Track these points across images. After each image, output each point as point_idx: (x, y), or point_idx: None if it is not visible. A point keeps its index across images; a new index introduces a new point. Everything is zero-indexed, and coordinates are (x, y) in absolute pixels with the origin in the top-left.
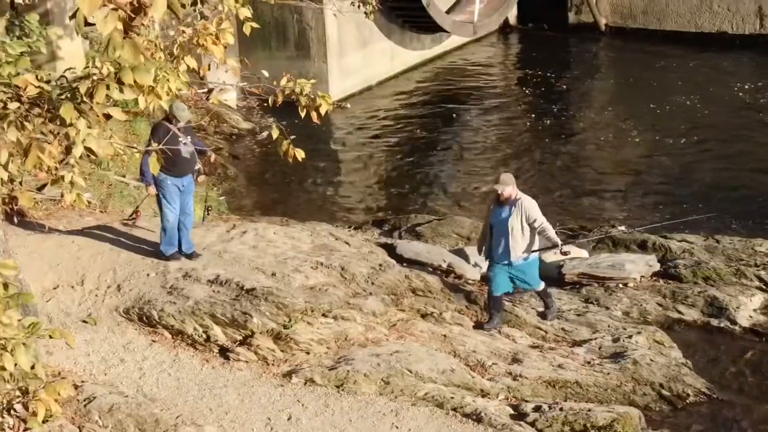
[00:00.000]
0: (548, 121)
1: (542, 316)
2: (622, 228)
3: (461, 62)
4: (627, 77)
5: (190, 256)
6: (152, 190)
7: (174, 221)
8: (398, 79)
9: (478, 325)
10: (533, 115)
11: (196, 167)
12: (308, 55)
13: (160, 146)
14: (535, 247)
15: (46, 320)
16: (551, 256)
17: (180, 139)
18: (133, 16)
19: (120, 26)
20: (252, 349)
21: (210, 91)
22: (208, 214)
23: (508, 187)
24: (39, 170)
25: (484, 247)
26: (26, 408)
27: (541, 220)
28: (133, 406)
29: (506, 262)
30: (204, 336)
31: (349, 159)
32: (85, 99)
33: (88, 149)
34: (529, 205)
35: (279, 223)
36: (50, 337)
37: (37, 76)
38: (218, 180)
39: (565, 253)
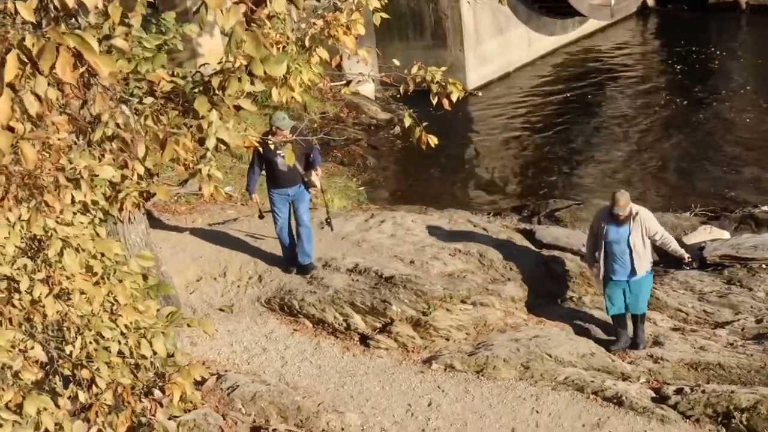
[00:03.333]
0: (688, 102)
1: (633, 345)
2: (765, 208)
3: (599, 46)
4: None
5: (305, 269)
6: (255, 198)
7: (281, 229)
8: (535, 65)
9: (606, 349)
10: (673, 97)
11: (307, 179)
12: (445, 44)
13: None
14: (654, 257)
15: (190, 311)
16: (692, 238)
17: (278, 152)
18: (254, 8)
19: (242, 19)
20: (392, 337)
21: (348, 83)
22: (329, 224)
23: (627, 208)
24: (177, 164)
25: (600, 265)
26: (163, 392)
27: (662, 233)
28: (275, 394)
29: (628, 279)
30: (344, 324)
31: (487, 146)
32: (217, 92)
33: (221, 140)
34: (648, 218)
35: (417, 211)
36: (188, 325)
37: (173, 72)
38: (357, 170)
39: (689, 265)
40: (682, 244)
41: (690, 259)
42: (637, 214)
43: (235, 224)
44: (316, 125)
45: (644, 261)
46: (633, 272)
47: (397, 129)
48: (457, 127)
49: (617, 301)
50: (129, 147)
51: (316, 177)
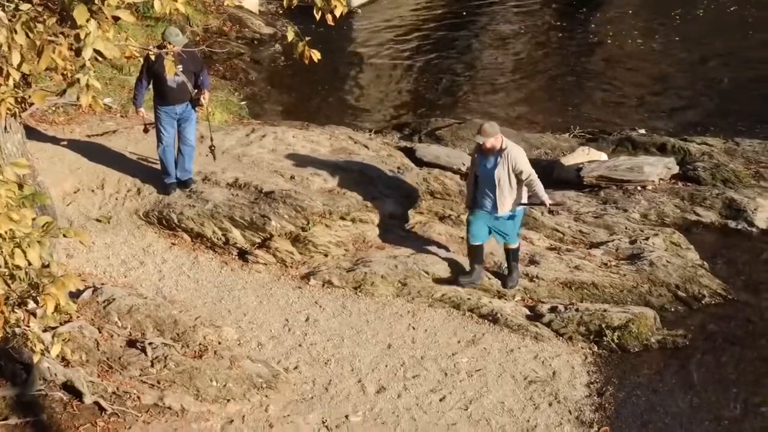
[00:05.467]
0: (572, 24)
1: (503, 283)
2: (642, 131)
3: None
4: None
5: (185, 184)
6: (141, 113)
7: (165, 149)
8: None
9: (455, 281)
10: (558, 19)
11: (196, 97)
12: None
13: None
14: (523, 199)
15: (66, 223)
16: (570, 159)
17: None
18: None
19: None
20: (270, 252)
21: None
22: (212, 152)
23: (491, 138)
24: (54, 73)
25: (468, 193)
26: (37, 303)
27: (529, 172)
28: (152, 307)
29: (491, 213)
30: (223, 239)
31: (370, 64)
32: (96, 1)
33: (97, 51)
34: (517, 155)
35: (298, 127)
36: (64, 236)
37: None
38: (240, 85)
39: (552, 212)
40: (558, 170)
41: (550, 207)
42: (505, 148)
43: (114, 136)
44: (198, 38)
45: (508, 199)
46: (495, 208)
47: (280, 44)
48: (341, 44)
49: (477, 231)
50: (3, 53)
51: (204, 99)
